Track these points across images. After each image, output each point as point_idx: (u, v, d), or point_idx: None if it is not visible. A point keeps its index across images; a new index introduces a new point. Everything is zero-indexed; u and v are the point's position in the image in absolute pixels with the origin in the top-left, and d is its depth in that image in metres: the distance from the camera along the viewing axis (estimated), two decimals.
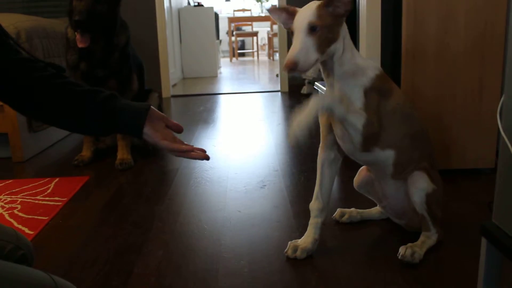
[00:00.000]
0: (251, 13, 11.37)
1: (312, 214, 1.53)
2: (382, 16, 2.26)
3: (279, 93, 5.26)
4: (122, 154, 2.65)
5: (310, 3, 1.29)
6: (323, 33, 1.24)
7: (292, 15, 1.30)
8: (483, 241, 1.01)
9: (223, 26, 11.02)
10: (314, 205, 1.53)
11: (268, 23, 11.07)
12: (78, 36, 2.39)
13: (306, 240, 1.51)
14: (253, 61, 10.01)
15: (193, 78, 7.05)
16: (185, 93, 5.52)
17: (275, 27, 8.98)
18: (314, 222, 1.52)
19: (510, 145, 0.93)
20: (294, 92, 5.22)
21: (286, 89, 5.36)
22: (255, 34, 10.20)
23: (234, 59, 10.67)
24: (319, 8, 1.25)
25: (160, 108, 2.93)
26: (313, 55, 1.22)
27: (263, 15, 10.77)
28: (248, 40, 11.58)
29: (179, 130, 1.13)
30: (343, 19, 1.29)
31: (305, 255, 1.50)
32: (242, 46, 11.55)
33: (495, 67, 2.10)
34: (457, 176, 2.19)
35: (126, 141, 2.69)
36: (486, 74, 2.12)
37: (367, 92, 1.31)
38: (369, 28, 2.36)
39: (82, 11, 2.36)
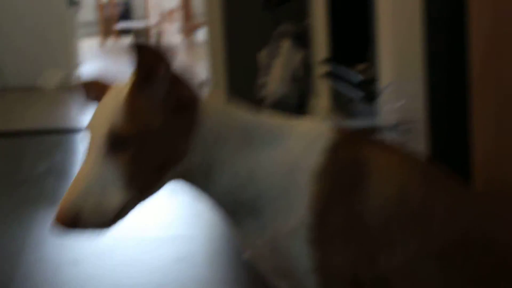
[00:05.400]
0: None
1: None
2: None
3: None
4: None
5: (124, 83, 1.15)
6: (142, 152, 1.09)
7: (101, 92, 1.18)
8: None
9: None
10: None
11: None
12: None
13: None
14: None
15: (23, 90, 5.93)
16: (3, 127, 4.60)
17: None
18: None
19: None
20: None
21: None
22: None
23: (109, 40, 9.24)
24: (131, 94, 1.09)
25: None
26: (116, 198, 1.08)
27: None
28: (137, 1, 10.13)
29: None
30: (191, 115, 1.13)
31: None
32: (126, 14, 10.03)
33: None
34: None
35: None
36: None
37: (315, 234, 1.16)
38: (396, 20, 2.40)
39: None
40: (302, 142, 1.21)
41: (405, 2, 2.37)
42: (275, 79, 4.17)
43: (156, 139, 1.11)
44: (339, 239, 1.20)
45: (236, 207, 1.21)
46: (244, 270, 2.22)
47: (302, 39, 4.17)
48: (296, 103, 4.23)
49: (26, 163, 3.82)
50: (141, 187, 1.12)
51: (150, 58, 1.08)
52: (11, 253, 2.56)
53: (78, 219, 1.05)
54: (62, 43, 6.12)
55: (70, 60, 6.25)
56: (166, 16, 9.54)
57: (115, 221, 1.09)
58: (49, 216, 2.83)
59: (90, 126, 1.13)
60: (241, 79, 4.47)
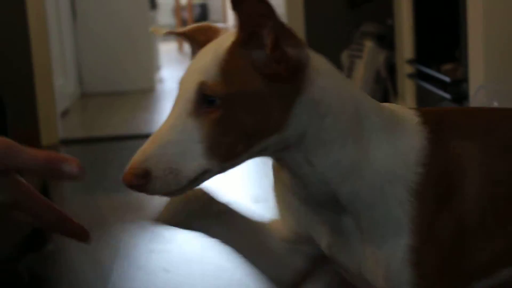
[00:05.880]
0: None
1: None
2: None
3: None
4: None
5: (224, 35, 1.07)
6: (232, 116, 0.97)
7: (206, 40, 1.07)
8: None
9: None
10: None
11: None
12: None
13: None
14: None
15: (102, 96, 5.83)
16: (88, 134, 4.61)
17: None
18: None
19: None
20: None
21: None
22: None
23: (187, 44, 9.50)
24: (231, 52, 0.98)
25: (47, 193, 2.50)
26: (194, 163, 0.96)
27: None
28: (215, 3, 10.36)
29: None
30: (296, 81, 0.98)
31: None
32: (203, 17, 10.22)
33: None
34: None
35: None
36: None
37: (417, 257, 1.07)
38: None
39: None
40: (405, 140, 1.07)
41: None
42: (358, 80, 4.10)
43: (250, 104, 0.99)
44: (443, 260, 1.12)
45: (326, 201, 1.07)
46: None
47: (385, 39, 4.08)
48: None
49: (112, 170, 3.74)
50: (223, 156, 0.99)
51: (255, 11, 0.96)
52: (104, 260, 2.60)
53: (147, 179, 0.94)
54: (144, 47, 5.99)
55: (151, 63, 6.16)
56: None
57: (187, 189, 0.98)
58: (138, 224, 2.93)
59: (181, 80, 1.02)
60: None
